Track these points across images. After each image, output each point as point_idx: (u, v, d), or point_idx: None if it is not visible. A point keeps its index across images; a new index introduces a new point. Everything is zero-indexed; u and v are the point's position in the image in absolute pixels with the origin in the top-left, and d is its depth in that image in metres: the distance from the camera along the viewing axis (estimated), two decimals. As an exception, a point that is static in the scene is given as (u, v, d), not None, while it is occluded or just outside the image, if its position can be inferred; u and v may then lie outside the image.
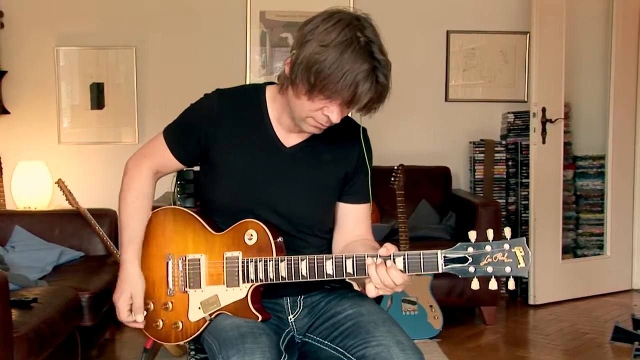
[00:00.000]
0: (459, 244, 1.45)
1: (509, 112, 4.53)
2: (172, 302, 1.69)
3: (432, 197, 4.36)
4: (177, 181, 1.96)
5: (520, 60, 4.61)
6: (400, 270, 1.47)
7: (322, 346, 1.66)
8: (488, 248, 1.42)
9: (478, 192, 4.47)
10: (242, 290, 1.61)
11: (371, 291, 1.49)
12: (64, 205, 3.73)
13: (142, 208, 1.73)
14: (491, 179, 4.45)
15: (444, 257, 1.44)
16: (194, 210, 1.74)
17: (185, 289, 1.67)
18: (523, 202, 4.38)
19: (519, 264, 1.40)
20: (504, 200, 4.43)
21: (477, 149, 4.48)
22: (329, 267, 1.52)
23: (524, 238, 1.43)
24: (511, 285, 1.42)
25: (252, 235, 1.61)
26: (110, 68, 4.44)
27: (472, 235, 1.44)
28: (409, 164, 4.00)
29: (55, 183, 3.63)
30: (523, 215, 4.39)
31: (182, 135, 1.72)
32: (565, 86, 4.27)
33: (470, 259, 1.43)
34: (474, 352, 3.44)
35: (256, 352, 1.48)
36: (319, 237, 1.75)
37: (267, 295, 1.66)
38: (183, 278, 1.68)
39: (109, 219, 3.67)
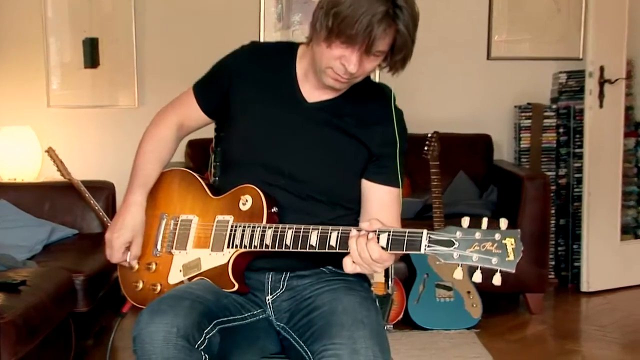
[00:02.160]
0: (449, 226, 1.51)
1: (560, 72, 4.47)
2: (156, 263, 1.85)
3: (471, 169, 4.34)
4: (214, 161, 2.09)
5: (574, 11, 4.54)
6: (382, 248, 1.53)
7: (296, 345, 1.74)
8: (477, 235, 1.47)
9: (524, 163, 4.44)
10: (224, 256, 1.73)
11: (347, 265, 1.58)
12: (55, 176, 3.74)
13: (160, 159, 1.91)
14: (539, 149, 4.42)
15: (429, 237, 1.49)
16: (200, 175, 1.90)
17: (171, 250, 1.83)
18: (576, 175, 4.35)
19: (508, 256, 1.45)
20: (554, 173, 4.40)
21: (523, 114, 4.45)
22: (313, 239, 1.61)
23: (519, 230, 1.47)
24: (496, 280, 1.46)
25: (246, 200, 1.74)
26: (105, 21, 4.42)
27: (465, 221, 1.50)
28: (444, 131, 3.97)
29: (45, 152, 3.64)
30: (575, 190, 4.35)
31: (209, 83, 1.91)
32: (628, 41, 4.19)
33: (457, 244, 1.47)
34: (517, 345, 3.44)
35: (167, 313, 1.57)
36: (332, 209, 1.81)
37: (249, 267, 1.77)
38: (171, 238, 1.84)
39: (106, 193, 3.68)
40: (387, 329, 3.45)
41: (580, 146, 4.30)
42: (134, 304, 1.90)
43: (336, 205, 1.80)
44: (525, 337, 3.55)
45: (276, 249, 1.66)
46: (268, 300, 1.81)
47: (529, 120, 4.43)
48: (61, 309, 2.83)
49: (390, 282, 3.39)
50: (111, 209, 3.68)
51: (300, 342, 1.71)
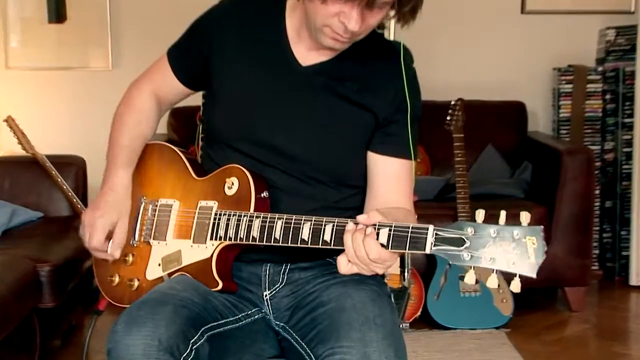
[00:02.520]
0: (459, 221, 1.52)
1: (608, 28, 4.45)
2: (133, 255, 1.86)
3: (501, 141, 4.33)
4: (202, 132, 2.05)
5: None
6: (382, 245, 1.52)
7: (298, 347, 1.73)
8: (492, 232, 1.45)
9: (563, 135, 4.43)
10: (207, 249, 1.72)
11: (342, 265, 1.57)
12: (16, 150, 3.75)
13: (142, 134, 1.91)
14: (581, 118, 4.40)
15: (436, 234, 1.47)
16: (183, 150, 1.88)
17: (149, 240, 1.83)
18: (625, 149, 4.34)
19: (528, 258, 1.43)
20: (599, 147, 4.39)
21: (563, 77, 4.43)
22: (305, 232, 1.60)
23: (541, 227, 1.44)
24: (515, 286, 1.44)
25: (232, 183, 1.73)
26: (73, -32, 4.40)
27: (480, 214, 1.48)
28: (470, 98, 3.96)
29: (4, 121, 3.63)
30: (624, 166, 4.34)
31: (184, 49, 1.88)
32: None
33: (467, 243, 1.45)
34: (554, 347, 3.45)
35: (147, 323, 1.56)
36: (337, 189, 1.80)
37: (242, 259, 1.76)
38: (150, 226, 1.84)
39: (75, 169, 3.67)
40: (403, 327, 3.47)
41: (631, 115, 4.28)
42: (110, 301, 1.91)
43: (341, 185, 1.80)
44: (564, 338, 3.55)
45: (264, 243, 1.65)
46: (265, 296, 1.81)
47: (570, 85, 4.40)
48: (24, 304, 2.83)
49: (406, 274, 3.39)
50: (81, 188, 3.68)
51: (303, 344, 1.70)
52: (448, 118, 3.67)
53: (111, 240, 1.83)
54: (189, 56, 1.86)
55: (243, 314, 1.78)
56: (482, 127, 4.27)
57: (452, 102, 3.70)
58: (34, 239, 3.27)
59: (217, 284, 1.71)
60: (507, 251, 1.43)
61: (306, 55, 1.77)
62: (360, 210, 1.81)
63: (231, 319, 1.74)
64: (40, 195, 3.64)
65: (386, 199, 1.77)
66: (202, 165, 1.88)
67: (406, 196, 1.79)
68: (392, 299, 1.85)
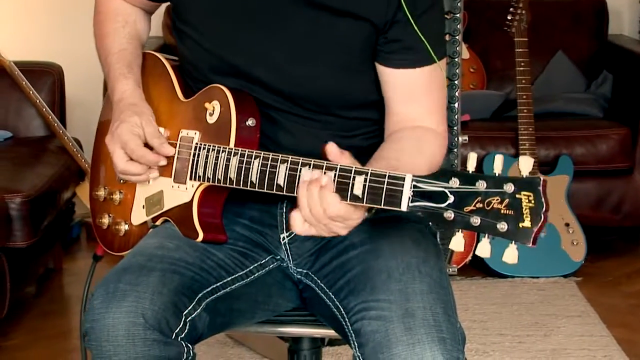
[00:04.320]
0: (442, 168, 1.46)
1: None
2: (121, 193, 1.87)
3: (574, 47, 4.30)
4: None
5: None
6: (357, 198, 1.46)
7: (325, 298, 1.72)
8: (481, 185, 1.37)
9: (652, 40, 4.38)
10: (187, 191, 1.73)
11: (296, 223, 1.52)
12: (-23, 56, 3.75)
13: (137, 35, 1.91)
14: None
15: (414, 186, 1.42)
16: (175, 61, 1.87)
17: None
18: None
19: (522, 221, 1.34)
20: (696, 54, 4.33)
21: (653, -33, 4.36)
22: (281, 176, 1.57)
23: (540, 179, 1.35)
24: (508, 256, 1.36)
25: (214, 108, 1.72)
26: None
27: (472, 159, 1.41)
28: (537, -8, 3.92)
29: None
30: None
31: None
32: None
33: (451, 199, 1.40)
34: (634, 300, 3.44)
35: (129, 297, 1.55)
36: (347, 114, 1.77)
37: (253, 196, 1.69)
38: None
39: (50, 79, 3.67)
40: (450, 274, 3.46)
41: None
42: (103, 247, 1.93)
43: (350, 109, 1.77)
44: (647, 290, 3.55)
45: (241, 187, 1.64)
46: (283, 239, 1.80)
47: (662, -23, 4.35)
48: (-10, 243, 2.86)
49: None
50: (58, 103, 3.67)
51: (330, 294, 1.69)
52: (509, 18, 3.63)
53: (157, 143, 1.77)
54: None
55: (255, 265, 1.76)
56: (551, 29, 4.24)
57: (514, -1, 3.65)
58: (1, 165, 3.29)
59: (197, 234, 1.70)
60: (497, 211, 1.36)
61: None
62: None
63: (240, 273, 1.73)
64: (8, 111, 3.66)
65: (403, 115, 1.76)
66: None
67: (431, 112, 1.75)
68: (438, 239, 1.84)
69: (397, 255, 1.64)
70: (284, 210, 1.79)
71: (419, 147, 1.69)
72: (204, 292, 1.64)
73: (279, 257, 1.80)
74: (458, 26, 2.04)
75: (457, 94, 2.09)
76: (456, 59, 2.06)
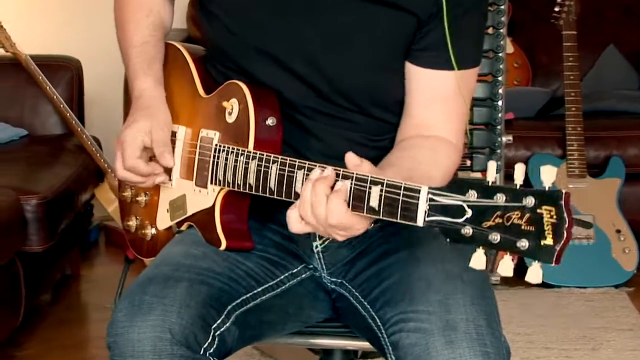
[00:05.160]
0: (458, 179, 1.43)
1: None
2: (146, 195, 1.90)
3: (626, 41, 4.29)
4: None
5: None
6: (373, 210, 1.44)
7: (359, 308, 1.71)
8: (500, 198, 1.33)
9: None
10: (209, 195, 1.73)
11: (292, 221, 1.52)
12: (-6, 50, 3.77)
13: (161, 24, 1.90)
14: None
15: (430, 199, 1.40)
16: (196, 54, 1.87)
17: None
18: None
19: (544, 238, 1.30)
20: None
21: None
22: (299, 182, 1.56)
23: (562, 193, 1.30)
24: (532, 275, 1.32)
25: (232, 106, 1.71)
26: None
27: (492, 167, 1.37)
28: (587, -19, 3.90)
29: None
30: None
31: None
32: None
33: (469, 213, 1.36)
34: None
35: (155, 310, 1.55)
36: (379, 120, 1.78)
37: (283, 200, 1.64)
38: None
39: (68, 74, 3.69)
40: (493, 283, 3.45)
41: None
42: (132, 251, 1.95)
43: (383, 109, 1.78)
44: None
45: (260, 193, 1.63)
46: (316, 247, 1.79)
47: None
48: (4, 247, 2.87)
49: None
50: (77, 99, 3.70)
51: (365, 303, 1.69)
52: (556, 9, 3.62)
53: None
54: None
55: (286, 275, 1.77)
56: (601, 22, 4.24)
57: (563, -11, 3.64)
58: (16, 165, 3.31)
59: (220, 242, 1.70)
60: (517, 227, 1.33)
61: None
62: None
63: (270, 283, 1.73)
64: (24, 108, 3.68)
65: (422, 120, 1.75)
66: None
67: (450, 119, 1.75)
68: (482, 248, 1.84)
69: (437, 263, 1.64)
70: None
71: (435, 159, 1.69)
72: (234, 304, 1.64)
73: (311, 265, 1.81)
74: (502, 18, 2.05)
75: (500, 90, 2.09)
76: (500, 54, 2.06)
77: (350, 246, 1.78)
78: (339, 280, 1.79)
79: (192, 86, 1.82)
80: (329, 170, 1.48)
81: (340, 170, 1.48)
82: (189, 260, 1.67)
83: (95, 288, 3.57)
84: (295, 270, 1.79)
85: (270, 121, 1.68)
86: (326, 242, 1.79)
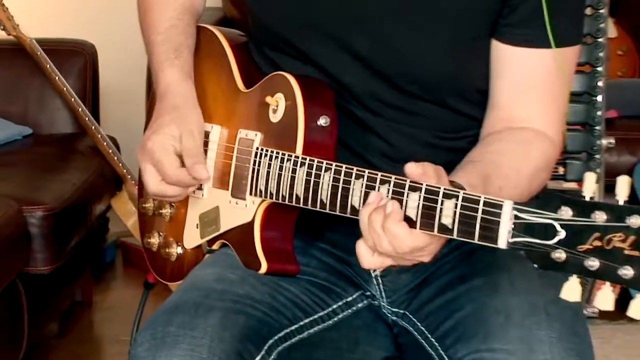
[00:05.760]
0: (548, 193, 1.45)
1: None
2: (171, 207, 1.91)
3: None
4: None
5: None
6: (446, 229, 1.44)
7: (425, 345, 1.71)
8: (599, 217, 1.32)
9: None
10: (247, 208, 1.72)
11: (363, 255, 1.51)
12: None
13: (191, 6, 1.92)
14: None
15: (515, 217, 1.39)
16: (234, 39, 1.86)
17: None
18: None
19: None
20: None
21: None
22: (356, 195, 1.55)
23: None
24: (637, 310, 1.31)
25: (277, 103, 1.71)
26: None
27: (590, 178, 1.36)
28: None
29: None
30: None
31: None
32: None
33: (562, 234, 1.35)
34: None
35: (181, 343, 1.56)
36: (456, 112, 1.78)
37: (334, 214, 1.64)
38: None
39: (81, 62, 3.71)
40: (589, 316, 3.43)
41: None
42: (152, 272, 1.97)
43: (461, 100, 1.77)
44: None
45: (309, 206, 1.63)
46: (374, 271, 1.79)
47: None
48: (4, 268, 2.88)
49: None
50: (90, 92, 3.72)
51: (432, 340, 1.68)
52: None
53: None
54: None
55: (339, 304, 1.77)
56: None
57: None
58: (18, 169, 3.33)
59: (260, 264, 1.70)
60: (619, 251, 1.32)
61: None
62: None
63: (320, 314, 1.73)
64: (28, 102, 3.70)
65: (511, 111, 1.75)
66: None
67: (547, 110, 1.75)
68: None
69: (518, 292, 1.64)
70: None
71: (526, 153, 1.69)
72: (275, 338, 1.64)
73: (369, 293, 1.80)
74: (603, -4, 2.04)
75: (600, 83, 2.08)
76: (600, 39, 2.05)
77: (415, 270, 1.77)
78: (401, 311, 1.79)
79: (230, 78, 1.83)
80: (382, 193, 1.48)
81: (406, 182, 1.47)
82: (222, 285, 1.67)
83: (110, 318, 3.59)
84: (350, 298, 1.79)
85: (322, 121, 1.67)
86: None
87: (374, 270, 1.78)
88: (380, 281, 1.79)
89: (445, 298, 1.70)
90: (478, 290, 1.66)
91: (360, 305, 1.79)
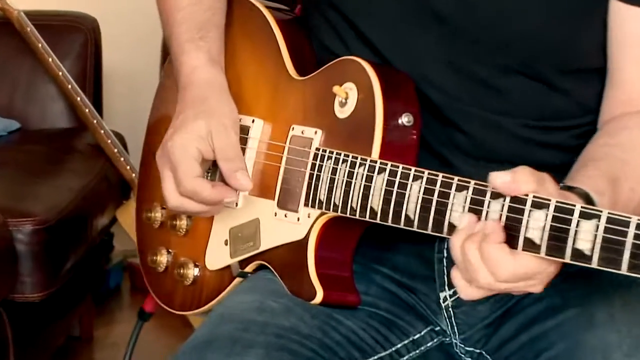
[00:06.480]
0: None
1: None
2: (188, 218, 1.90)
3: None
4: None
5: None
6: (531, 244, 1.43)
7: None
8: None
9: None
10: (300, 223, 1.73)
11: (457, 283, 1.51)
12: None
13: None
14: None
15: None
16: (280, 14, 1.86)
17: None
18: None
19: None
20: None
21: None
22: (456, 209, 1.52)
23: None
24: None
25: (347, 94, 1.70)
26: None
27: None
28: None
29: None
30: None
31: None
32: None
33: None
34: None
35: None
36: (558, 90, 1.77)
37: (397, 232, 1.65)
38: (213, 166, 1.82)
39: (80, 40, 3.76)
40: None
41: None
42: (155, 298, 1.99)
43: (566, 73, 1.75)
44: None
45: (390, 223, 1.61)
46: (445, 300, 1.81)
47: None
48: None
49: None
50: (92, 77, 3.74)
51: None
52: None
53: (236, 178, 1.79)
54: None
55: (404, 343, 1.78)
56: None
57: None
58: (3, 173, 3.36)
59: (314, 293, 1.70)
60: None
61: None
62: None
63: (381, 354, 1.74)
64: (15, 90, 3.74)
65: (638, 92, 1.75)
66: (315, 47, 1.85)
67: None
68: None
69: (619, 326, 1.64)
70: (444, 255, 1.79)
71: None
72: None
73: (438, 328, 1.80)
74: None
75: None
76: None
77: (494, 300, 1.77)
78: (477, 351, 1.80)
79: (278, 63, 1.84)
80: (473, 217, 1.47)
81: (488, 188, 1.46)
82: (264, 317, 1.68)
83: (114, 356, 3.61)
84: (418, 335, 1.80)
85: (405, 119, 1.67)
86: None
87: (444, 299, 1.78)
88: (452, 313, 1.79)
89: (530, 334, 1.71)
90: (571, 325, 1.66)
91: (429, 344, 1.81)
